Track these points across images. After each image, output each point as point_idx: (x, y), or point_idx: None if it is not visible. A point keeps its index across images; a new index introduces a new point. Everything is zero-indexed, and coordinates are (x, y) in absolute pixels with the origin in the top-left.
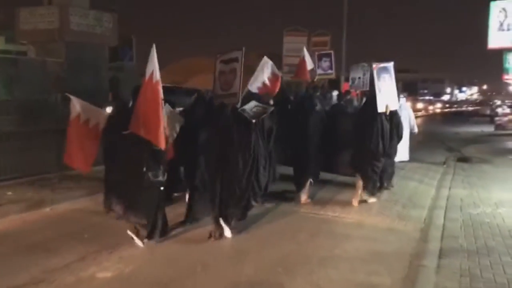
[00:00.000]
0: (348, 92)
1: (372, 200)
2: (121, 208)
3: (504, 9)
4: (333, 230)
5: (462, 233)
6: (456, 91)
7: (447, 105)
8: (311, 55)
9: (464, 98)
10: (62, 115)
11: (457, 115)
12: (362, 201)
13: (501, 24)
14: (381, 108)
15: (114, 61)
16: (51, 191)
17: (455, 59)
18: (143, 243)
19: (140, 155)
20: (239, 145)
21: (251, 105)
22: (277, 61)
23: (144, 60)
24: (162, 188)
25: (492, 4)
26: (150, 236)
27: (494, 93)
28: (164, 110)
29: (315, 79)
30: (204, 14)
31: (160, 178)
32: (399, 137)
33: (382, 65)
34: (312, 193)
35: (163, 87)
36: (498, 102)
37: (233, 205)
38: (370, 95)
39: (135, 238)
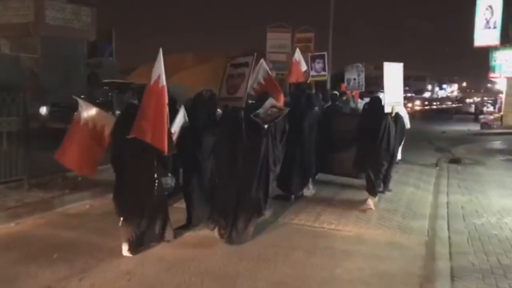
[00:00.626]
0: (344, 93)
1: (370, 202)
2: (131, 213)
3: (490, 7)
4: (331, 245)
5: (471, 248)
6: (437, 88)
7: (426, 103)
8: (305, 59)
9: (444, 95)
10: (31, 115)
11: (439, 113)
12: (362, 211)
13: (488, 22)
14: (387, 108)
15: (93, 57)
16: (17, 201)
17: (436, 56)
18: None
19: (149, 161)
20: (250, 150)
21: (267, 105)
22: (261, 57)
23: (125, 55)
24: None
25: (478, 1)
26: (161, 238)
27: (473, 91)
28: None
29: (309, 81)
30: (186, 9)
31: (170, 183)
32: (401, 140)
33: (392, 65)
34: (306, 198)
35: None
36: (478, 99)
37: (241, 213)
38: (375, 96)
39: (126, 248)
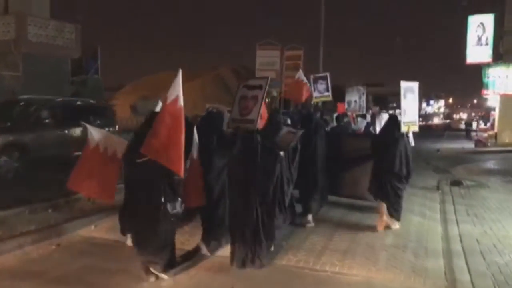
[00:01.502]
0: (345, 114)
1: (396, 226)
2: (135, 241)
3: (482, 24)
4: None
5: None
6: (424, 104)
7: None
8: (307, 79)
9: (431, 111)
10: None
11: (429, 130)
12: (369, 247)
13: (479, 39)
14: (403, 128)
15: (78, 75)
16: None
17: (423, 72)
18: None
19: (157, 184)
20: (265, 174)
21: (283, 133)
22: (250, 74)
23: (111, 73)
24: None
25: (470, 18)
26: (163, 271)
27: (459, 106)
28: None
29: (312, 102)
30: (174, 26)
31: (178, 210)
32: None
33: (408, 84)
34: (306, 228)
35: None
36: (464, 115)
37: (255, 237)
38: (392, 115)
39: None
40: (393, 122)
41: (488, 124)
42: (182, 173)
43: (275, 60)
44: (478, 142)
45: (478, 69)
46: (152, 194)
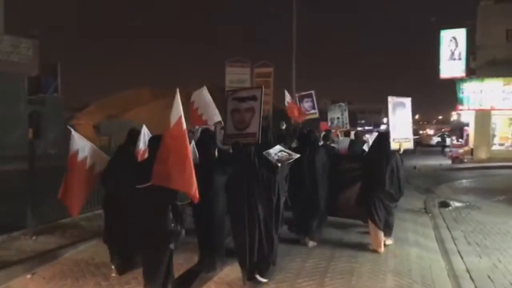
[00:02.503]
0: (329, 132)
1: (389, 242)
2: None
3: (454, 38)
4: None
5: None
6: None
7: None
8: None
9: None
10: None
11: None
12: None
13: (453, 53)
14: (394, 145)
15: (36, 93)
16: None
17: (388, 89)
18: None
19: (163, 211)
20: (265, 188)
21: (276, 149)
22: (219, 92)
23: (72, 91)
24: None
25: (442, 33)
26: None
27: (425, 123)
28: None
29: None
30: (138, 43)
31: (184, 235)
32: None
33: (398, 99)
34: (298, 264)
35: None
36: (431, 131)
37: (262, 252)
38: (383, 132)
39: None
40: (383, 139)
41: (461, 140)
42: (196, 197)
43: (246, 77)
44: (455, 159)
45: (444, 86)
46: (156, 222)
